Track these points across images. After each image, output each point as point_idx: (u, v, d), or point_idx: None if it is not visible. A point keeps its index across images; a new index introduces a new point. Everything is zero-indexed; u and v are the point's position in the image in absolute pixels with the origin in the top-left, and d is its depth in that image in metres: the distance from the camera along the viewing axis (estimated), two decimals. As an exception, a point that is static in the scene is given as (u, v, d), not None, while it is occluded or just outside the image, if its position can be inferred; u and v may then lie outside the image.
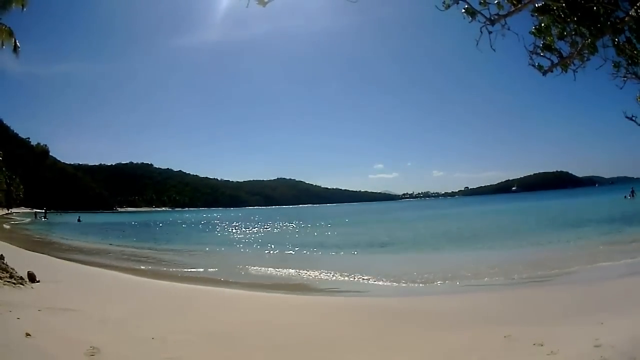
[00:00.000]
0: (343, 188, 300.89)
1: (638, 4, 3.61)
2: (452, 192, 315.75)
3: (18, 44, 14.03)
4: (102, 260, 15.87)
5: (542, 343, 4.16)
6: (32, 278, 7.48)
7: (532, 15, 3.52)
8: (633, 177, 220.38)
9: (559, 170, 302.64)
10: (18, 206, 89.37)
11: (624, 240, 14.94)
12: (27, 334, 4.76)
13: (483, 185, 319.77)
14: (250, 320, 6.20)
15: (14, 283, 6.91)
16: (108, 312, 5.83)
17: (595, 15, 3.69)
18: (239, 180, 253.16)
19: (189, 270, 13.52)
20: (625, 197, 44.54)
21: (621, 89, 4.49)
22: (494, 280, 9.63)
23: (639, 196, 44.72)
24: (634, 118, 4.81)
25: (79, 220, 53.33)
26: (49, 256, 15.05)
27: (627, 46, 4.03)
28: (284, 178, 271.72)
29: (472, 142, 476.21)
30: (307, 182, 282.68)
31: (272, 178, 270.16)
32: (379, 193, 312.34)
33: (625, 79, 4.49)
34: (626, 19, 3.74)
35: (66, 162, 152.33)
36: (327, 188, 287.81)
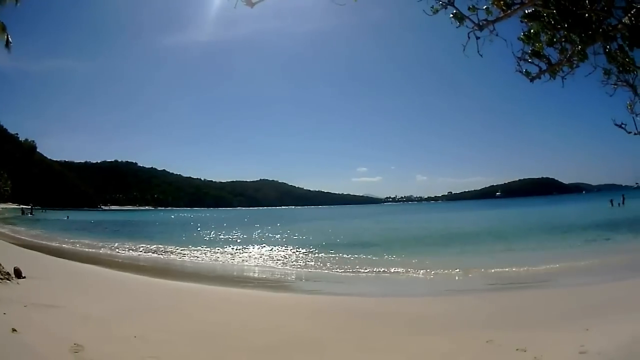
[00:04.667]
0: (326, 190, 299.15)
1: (632, 12, 3.59)
2: (436, 196, 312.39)
3: (10, 39, 13.83)
4: (88, 256, 15.94)
5: (525, 348, 4.12)
6: (18, 274, 7.43)
7: (522, 22, 3.49)
8: (621, 185, 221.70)
9: (544, 176, 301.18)
10: (5, 202, 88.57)
11: (610, 247, 14.86)
12: (14, 330, 4.75)
13: (467, 190, 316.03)
14: (232, 319, 6.18)
15: (0, 278, 6.86)
16: (91, 309, 5.81)
17: (587, 22, 3.66)
18: (222, 181, 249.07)
19: (172, 267, 13.63)
20: (616, 204, 43.99)
21: (611, 96, 4.48)
22: (476, 285, 9.48)
23: (628, 203, 44.26)
24: (623, 125, 4.80)
25: (67, 217, 55.57)
26: (34, 251, 15.05)
27: (619, 54, 4.01)
28: (267, 179, 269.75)
29: (457, 147, 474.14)
30: (290, 184, 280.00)
31: (256, 179, 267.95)
32: (362, 196, 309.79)
33: (615, 86, 4.48)
34: (619, 26, 3.71)
35: (53, 159, 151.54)
36: (310, 190, 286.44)
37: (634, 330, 4.78)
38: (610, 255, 12.43)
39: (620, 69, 4.31)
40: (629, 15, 3.58)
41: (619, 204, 43.57)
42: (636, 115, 4.81)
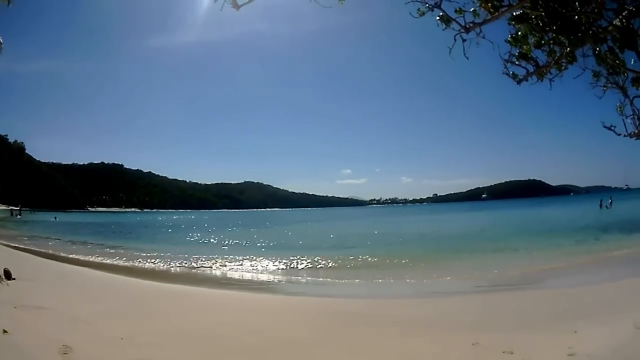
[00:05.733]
0: (310, 193, 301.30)
1: (624, 13, 3.57)
2: (421, 198, 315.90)
3: (1, 40, 13.66)
4: (77, 257, 15.91)
5: (512, 351, 4.09)
6: (7, 275, 7.38)
7: (509, 24, 3.47)
8: (610, 187, 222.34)
9: (531, 178, 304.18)
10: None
11: (598, 248, 14.67)
12: (4, 331, 4.75)
13: (452, 192, 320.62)
14: (219, 321, 6.17)
15: (-10, 279, 6.83)
16: (79, 311, 5.80)
17: (576, 24, 3.64)
18: (207, 183, 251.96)
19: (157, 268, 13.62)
20: (604, 206, 43.67)
21: (600, 98, 4.47)
22: (462, 287, 9.34)
23: (616, 205, 43.96)
24: (612, 128, 4.80)
25: (55, 219, 56.35)
26: (24, 253, 15.01)
27: (608, 55, 3.99)
28: (252, 181, 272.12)
29: (442, 149, 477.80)
30: (274, 186, 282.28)
31: (240, 181, 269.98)
32: (346, 199, 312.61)
33: (605, 88, 4.47)
34: (609, 28, 3.69)
35: (41, 160, 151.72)
36: (294, 192, 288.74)
37: (625, 332, 4.75)
38: (599, 257, 12.33)
39: (610, 70, 4.31)
40: (621, 17, 3.56)
41: (606, 207, 43.30)
42: (626, 117, 4.82)
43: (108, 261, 15.30)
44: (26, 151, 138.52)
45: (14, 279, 7.39)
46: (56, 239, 24.85)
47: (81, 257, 15.92)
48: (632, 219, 25.38)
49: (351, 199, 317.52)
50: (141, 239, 27.09)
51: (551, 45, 3.80)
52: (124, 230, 37.76)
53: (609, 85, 4.40)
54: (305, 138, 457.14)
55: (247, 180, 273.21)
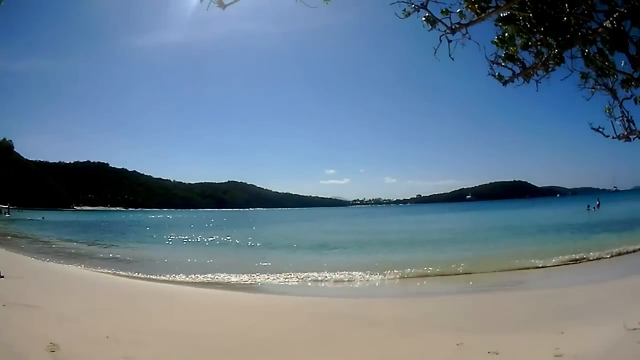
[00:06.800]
0: (294, 193, 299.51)
1: (615, 15, 3.56)
2: (405, 199, 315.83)
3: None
4: (64, 256, 15.93)
5: (497, 351, 4.06)
6: (-4, 273, 7.36)
7: (496, 25, 3.45)
8: (598, 188, 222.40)
9: (517, 179, 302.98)
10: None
11: (584, 249, 14.38)
12: (-6, 329, 4.75)
13: (436, 193, 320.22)
14: (202, 320, 6.18)
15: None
16: (65, 309, 5.81)
17: (565, 25, 3.63)
18: (191, 182, 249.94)
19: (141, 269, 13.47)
20: (588, 207, 43.35)
21: (588, 100, 4.47)
22: (447, 287, 9.26)
23: (604, 207, 43.67)
24: (601, 129, 4.80)
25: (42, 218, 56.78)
26: (13, 252, 14.96)
27: (597, 57, 3.98)
28: (236, 181, 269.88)
29: (427, 149, 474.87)
30: (258, 186, 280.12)
31: (224, 181, 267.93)
32: (330, 199, 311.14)
33: (593, 90, 4.47)
34: (599, 30, 3.68)
35: (28, 159, 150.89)
36: (278, 192, 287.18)
37: (613, 333, 4.71)
38: (585, 258, 12.23)
39: (599, 72, 4.31)
40: (611, 19, 3.55)
41: (593, 208, 43.00)
42: (615, 119, 4.82)
43: (96, 260, 15.14)
44: (14, 149, 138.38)
45: (3, 277, 7.36)
46: (45, 238, 24.75)
47: (68, 255, 15.86)
48: (620, 220, 25.40)
49: (334, 199, 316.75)
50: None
51: (539, 47, 3.79)
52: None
53: (598, 87, 4.40)
54: (289, 138, 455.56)
55: (230, 179, 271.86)
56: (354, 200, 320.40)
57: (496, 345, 4.23)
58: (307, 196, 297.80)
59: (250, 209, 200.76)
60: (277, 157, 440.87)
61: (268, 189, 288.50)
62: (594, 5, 3.68)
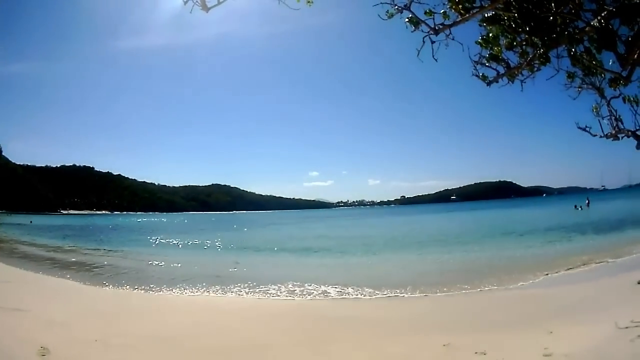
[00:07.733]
0: (277, 195, 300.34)
1: (603, 14, 3.55)
2: (388, 200, 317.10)
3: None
4: (53, 261, 15.75)
5: (484, 352, 4.05)
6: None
7: (480, 25, 3.44)
8: (585, 187, 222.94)
9: (502, 179, 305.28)
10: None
11: (572, 249, 14.52)
12: (-16, 334, 4.74)
13: (420, 194, 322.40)
14: (188, 323, 6.15)
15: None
16: (54, 312, 5.79)
17: (551, 25, 3.62)
18: (174, 185, 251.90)
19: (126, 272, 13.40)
20: (575, 207, 42.89)
21: (574, 99, 4.47)
22: (433, 288, 9.08)
23: (592, 206, 43.36)
24: (587, 129, 4.80)
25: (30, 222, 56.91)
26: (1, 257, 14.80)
27: (584, 56, 3.97)
28: (219, 184, 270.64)
29: (410, 150, 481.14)
30: (242, 189, 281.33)
31: (207, 184, 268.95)
32: (313, 201, 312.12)
33: (580, 89, 4.47)
34: (587, 29, 3.67)
35: (16, 163, 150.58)
36: (261, 195, 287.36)
37: (604, 332, 4.70)
38: (573, 258, 12.03)
39: (586, 71, 4.30)
40: (599, 18, 3.54)
41: (581, 207, 42.50)
42: (602, 118, 4.82)
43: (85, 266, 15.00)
44: (3, 153, 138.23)
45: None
46: (33, 242, 24.64)
47: (57, 260, 15.71)
48: (609, 219, 25.33)
49: (318, 201, 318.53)
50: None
51: (524, 47, 3.77)
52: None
53: (585, 86, 4.40)
54: (272, 140, 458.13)
55: (214, 182, 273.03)
56: (338, 202, 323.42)
57: (484, 345, 4.22)
58: (290, 198, 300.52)
59: (235, 211, 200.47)
60: (260, 159, 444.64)
61: (251, 191, 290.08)
62: (582, 4, 3.66)
